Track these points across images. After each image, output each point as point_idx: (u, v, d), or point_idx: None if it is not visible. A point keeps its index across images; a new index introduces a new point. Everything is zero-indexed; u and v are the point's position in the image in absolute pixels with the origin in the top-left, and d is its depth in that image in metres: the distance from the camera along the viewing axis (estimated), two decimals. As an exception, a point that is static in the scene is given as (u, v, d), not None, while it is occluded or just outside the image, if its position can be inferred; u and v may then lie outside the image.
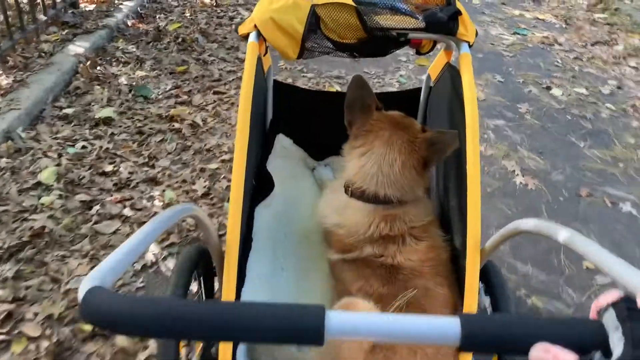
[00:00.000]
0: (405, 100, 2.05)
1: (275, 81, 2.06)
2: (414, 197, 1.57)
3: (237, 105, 2.31)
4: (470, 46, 1.56)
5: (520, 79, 4.21)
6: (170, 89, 3.47)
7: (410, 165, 1.54)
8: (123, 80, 3.48)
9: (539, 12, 5.77)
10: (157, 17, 4.57)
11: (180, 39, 4.15)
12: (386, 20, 1.54)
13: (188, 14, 4.70)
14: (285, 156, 2.11)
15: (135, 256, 0.82)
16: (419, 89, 2.09)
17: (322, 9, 1.52)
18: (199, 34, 4.28)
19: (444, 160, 1.62)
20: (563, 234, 0.93)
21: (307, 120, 2.14)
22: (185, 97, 3.40)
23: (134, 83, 3.47)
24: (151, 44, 4.07)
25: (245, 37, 1.56)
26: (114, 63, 3.70)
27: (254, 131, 1.49)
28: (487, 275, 1.51)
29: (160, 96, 3.38)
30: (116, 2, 4.56)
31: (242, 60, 3.74)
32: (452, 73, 1.72)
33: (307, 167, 2.21)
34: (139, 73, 3.60)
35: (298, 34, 1.53)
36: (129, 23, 4.33)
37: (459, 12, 1.52)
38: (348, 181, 1.60)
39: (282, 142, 2.14)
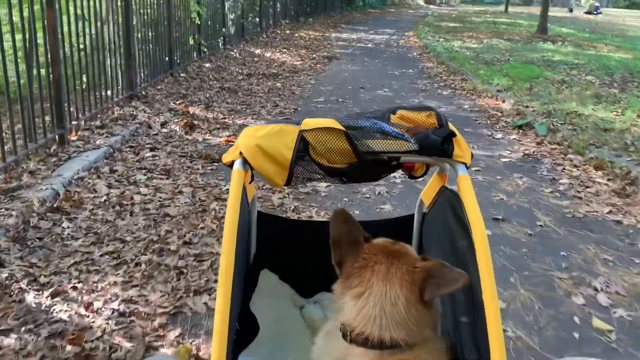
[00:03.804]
0: (396, 229, 1.88)
1: (258, 212, 1.94)
2: (423, 338, 1.34)
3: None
4: (467, 168, 1.51)
5: None
6: None
7: (414, 300, 1.33)
8: None
9: None
10: None
11: None
12: (377, 145, 1.50)
13: None
14: (270, 294, 1.96)
15: None
16: (411, 216, 1.96)
17: (311, 134, 1.50)
18: None
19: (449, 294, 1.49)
20: None
21: (294, 254, 2.01)
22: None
23: None
24: None
25: (230, 165, 1.52)
26: None
27: (237, 268, 1.35)
28: None
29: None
30: None
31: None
32: (449, 197, 1.64)
33: (295, 305, 2.05)
34: None
35: (286, 160, 1.50)
36: None
37: (452, 134, 1.50)
38: (346, 326, 1.34)
39: (267, 279, 2.00)
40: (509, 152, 5.55)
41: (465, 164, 1.51)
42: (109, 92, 6.29)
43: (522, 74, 9.89)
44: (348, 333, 1.33)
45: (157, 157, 4.94)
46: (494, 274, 1.19)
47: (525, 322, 2.70)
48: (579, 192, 4.47)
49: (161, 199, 4.01)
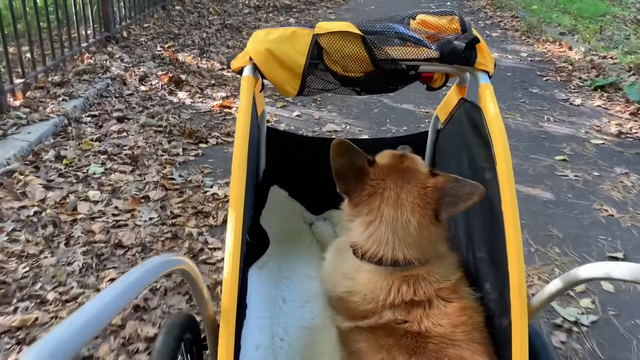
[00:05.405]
0: (411, 147, 1.74)
1: (267, 127, 1.90)
2: (437, 254, 1.36)
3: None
4: (489, 77, 1.44)
5: None
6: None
7: (427, 222, 1.32)
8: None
9: None
10: None
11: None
12: (396, 52, 1.43)
13: None
14: (280, 210, 1.97)
15: (101, 323, 0.70)
16: (425, 133, 1.93)
17: (326, 39, 1.42)
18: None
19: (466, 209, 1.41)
20: None
21: (304, 170, 1.98)
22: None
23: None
24: None
25: (239, 72, 1.48)
26: None
27: (247, 182, 1.31)
28: (530, 345, 1.11)
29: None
30: None
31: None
32: (468, 109, 1.56)
33: (305, 222, 2.06)
34: None
35: (298, 67, 1.44)
36: None
37: (476, 40, 1.41)
38: (358, 246, 1.36)
39: (277, 195, 2.01)
40: (598, 128, 4.14)
41: (487, 72, 1.46)
42: (76, 35, 4.90)
43: (584, 10, 8.21)
44: (359, 251, 1.35)
45: (125, 134, 3.64)
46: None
47: None
48: None
49: (116, 212, 2.76)
